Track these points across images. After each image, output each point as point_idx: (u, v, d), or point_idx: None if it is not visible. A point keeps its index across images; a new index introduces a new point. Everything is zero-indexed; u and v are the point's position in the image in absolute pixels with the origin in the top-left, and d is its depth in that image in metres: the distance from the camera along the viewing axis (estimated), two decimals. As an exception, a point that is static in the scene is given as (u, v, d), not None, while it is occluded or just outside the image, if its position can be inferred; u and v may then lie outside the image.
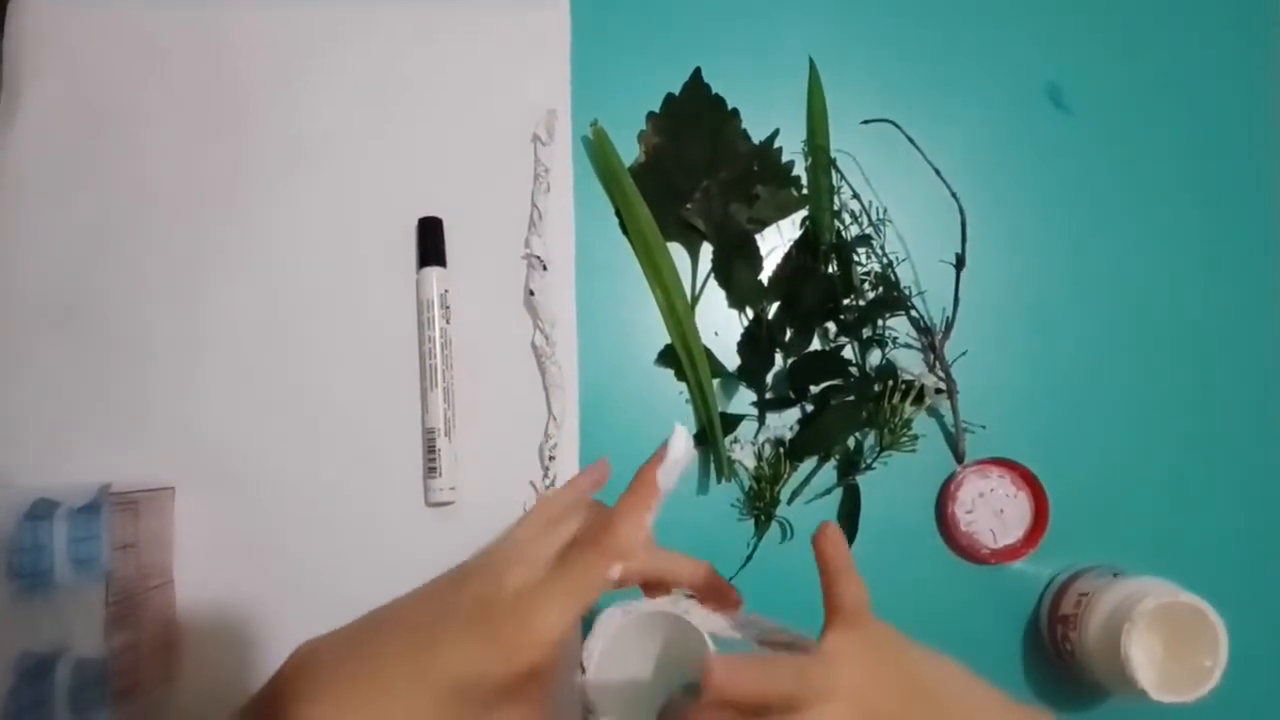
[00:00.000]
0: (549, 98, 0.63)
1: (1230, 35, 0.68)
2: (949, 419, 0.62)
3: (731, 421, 0.61)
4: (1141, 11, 0.68)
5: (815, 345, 0.63)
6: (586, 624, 0.47)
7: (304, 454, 0.59)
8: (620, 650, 0.47)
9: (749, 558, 0.60)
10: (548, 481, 0.59)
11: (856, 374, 0.62)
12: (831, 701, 0.38)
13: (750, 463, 0.61)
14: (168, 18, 0.62)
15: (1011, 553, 0.61)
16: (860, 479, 0.61)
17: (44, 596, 0.47)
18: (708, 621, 0.45)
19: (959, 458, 0.62)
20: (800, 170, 0.64)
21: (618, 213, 0.63)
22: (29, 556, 0.46)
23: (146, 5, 0.62)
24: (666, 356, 0.62)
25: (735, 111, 0.64)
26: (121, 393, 0.59)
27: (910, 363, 0.63)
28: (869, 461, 0.61)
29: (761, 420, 0.62)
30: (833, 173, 0.63)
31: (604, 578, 0.38)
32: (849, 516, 0.61)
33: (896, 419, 0.60)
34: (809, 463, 0.61)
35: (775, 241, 0.64)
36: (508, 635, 0.36)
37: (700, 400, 0.61)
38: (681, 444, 0.42)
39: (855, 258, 0.62)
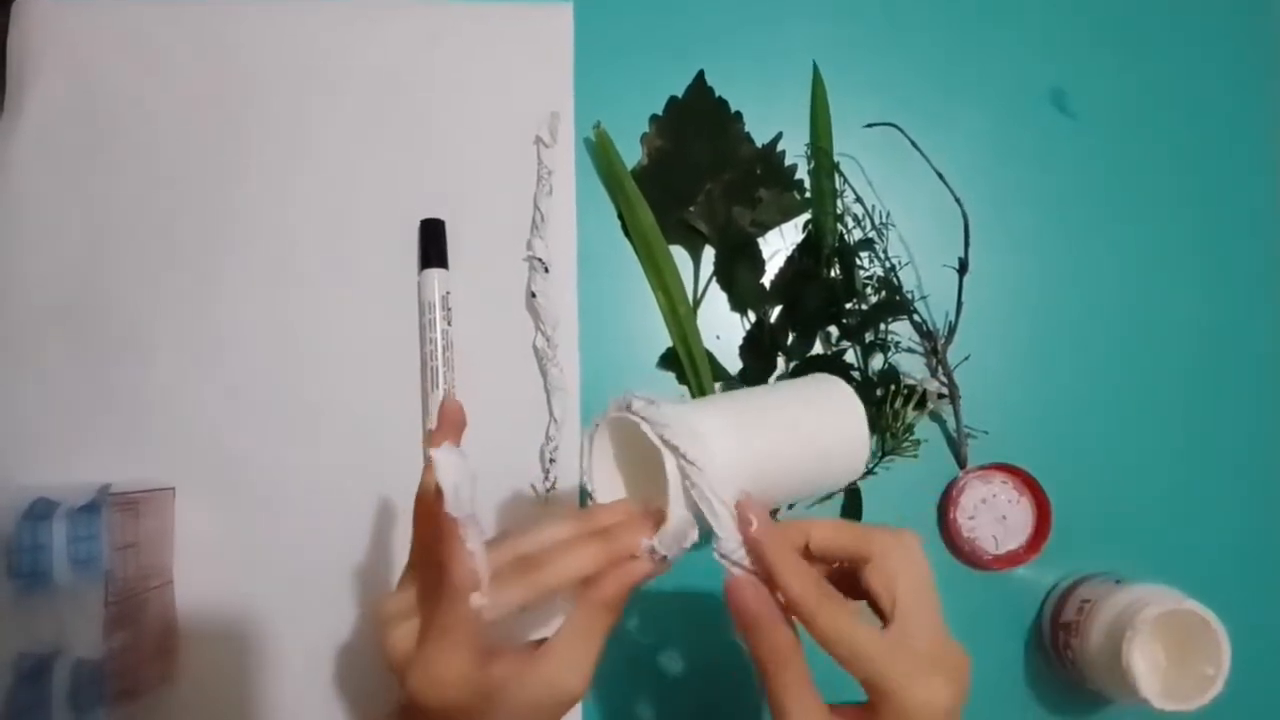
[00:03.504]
0: (552, 100, 0.63)
1: (1232, 40, 0.68)
2: (951, 424, 0.62)
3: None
4: (1145, 17, 0.68)
5: (817, 349, 0.62)
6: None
7: (305, 455, 0.59)
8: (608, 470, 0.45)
9: (750, 562, 0.60)
10: (548, 484, 0.59)
11: (859, 378, 0.61)
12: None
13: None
14: (171, 20, 0.62)
15: (1013, 559, 0.61)
16: (862, 484, 0.61)
17: (43, 596, 0.47)
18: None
19: (961, 463, 0.62)
20: (803, 174, 0.64)
21: (620, 215, 0.63)
22: (28, 556, 0.46)
23: (149, 6, 0.62)
24: (668, 359, 0.62)
25: (738, 114, 0.64)
26: (123, 394, 0.59)
27: (912, 367, 0.62)
28: (871, 466, 0.61)
29: (763, 424, 0.62)
30: (836, 176, 0.63)
31: (466, 611, 0.38)
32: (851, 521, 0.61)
33: (898, 424, 0.60)
34: (810, 467, 0.61)
35: (777, 245, 0.64)
36: (413, 696, 0.39)
37: (702, 404, 0.61)
38: (447, 471, 0.39)
39: (858, 262, 0.62)
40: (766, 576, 0.40)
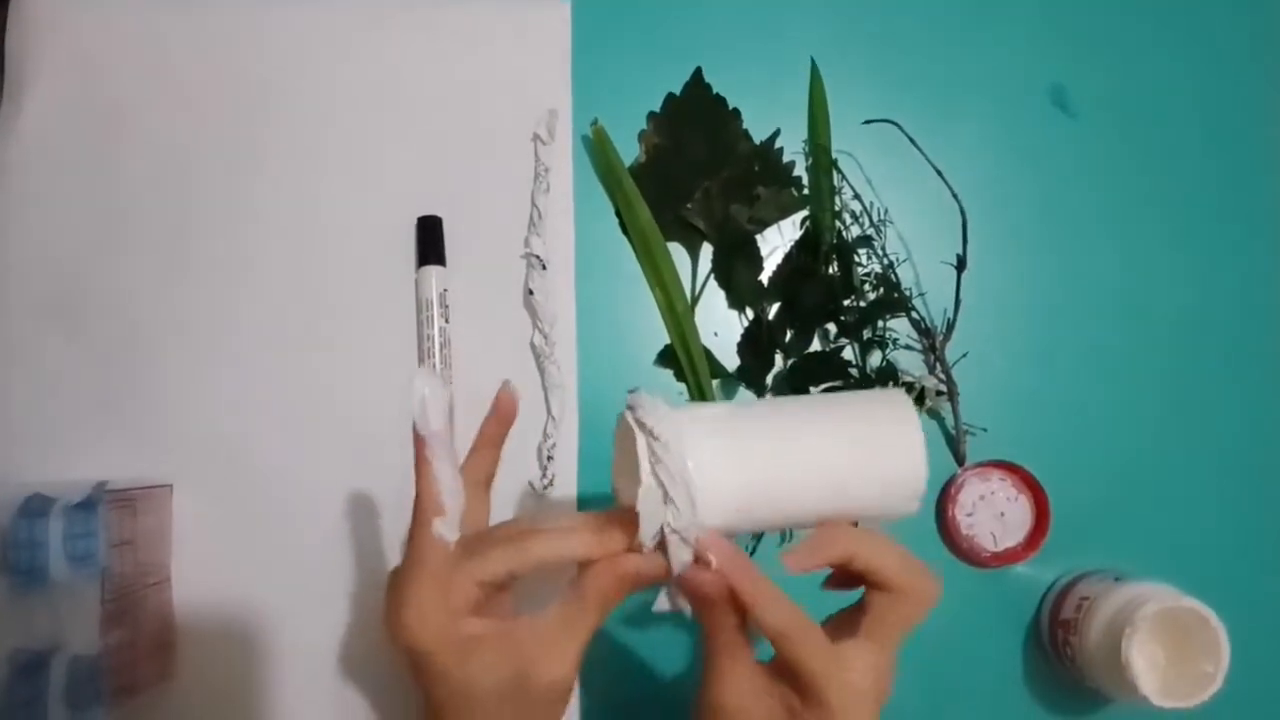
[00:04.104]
0: (549, 97, 0.63)
1: (1233, 37, 0.68)
2: (949, 421, 0.62)
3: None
4: (1144, 13, 0.68)
5: (815, 346, 0.62)
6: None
7: (302, 453, 0.59)
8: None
9: (748, 559, 0.60)
10: (545, 481, 0.59)
11: (857, 375, 0.61)
12: None
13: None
14: (169, 17, 0.62)
15: (1012, 556, 0.61)
16: (860, 481, 0.61)
17: (39, 593, 0.47)
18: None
19: (959, 460, 0.62)
20: (801, 170, 0.64)
21: (618, 212, 0.63)
22: (24, 552, 0.46)
23: (149, 4, 0.62)
24: (666, 357, 0.62)
25: (736, 111, 0.64)
26: (120, 392, 0.59)
27: (911, 364, 0.62)
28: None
29: (761, 421, 0.61)
30: (834, 173, 0.63)
31: (430, 539, 0.41)
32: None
33: (897, 421, 0.60)
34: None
35: (776, 242, 0.64)
36: (392, 634, 0.41)
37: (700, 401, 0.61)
38: (418, 388, 0.40)
39: (856, 258, 0.62)
40: (742, 602, 0.40)
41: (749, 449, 0.41)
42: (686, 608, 0.42)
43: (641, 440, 0.39)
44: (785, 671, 0.41)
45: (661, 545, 0.40)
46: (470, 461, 0.47)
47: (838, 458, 0.42)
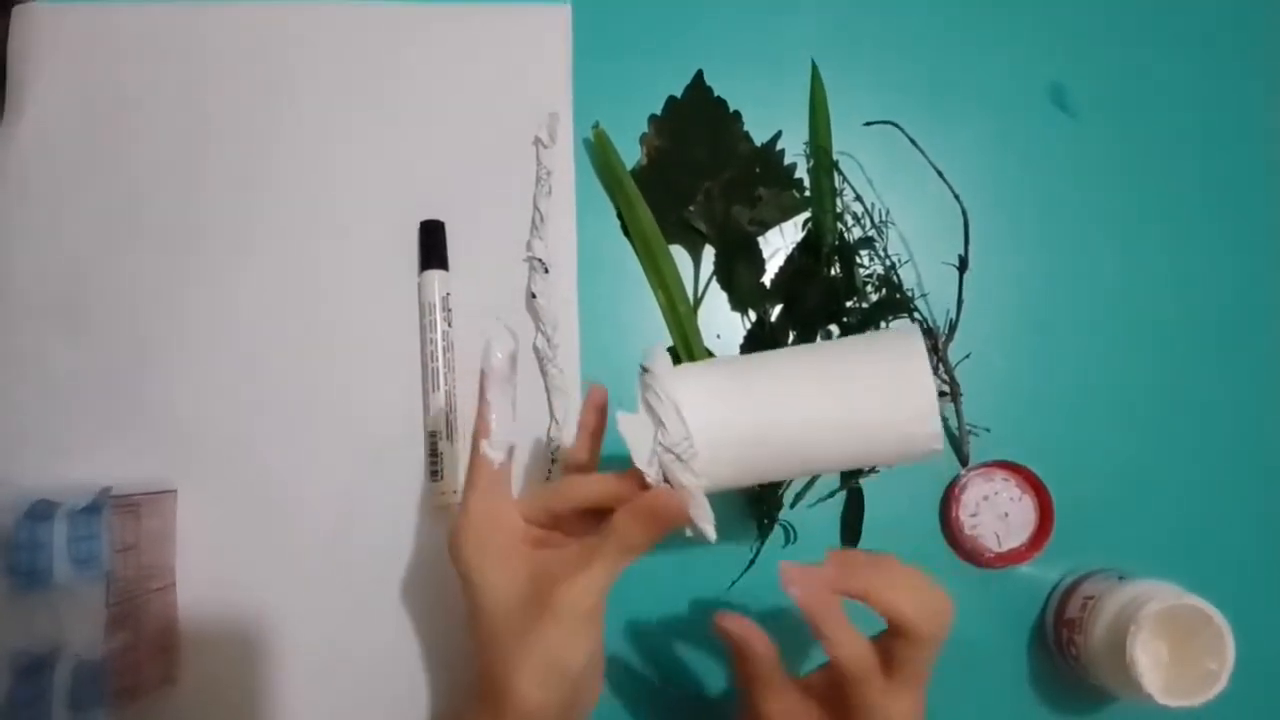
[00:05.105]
0: (551, 100, 0.63)
1: (1233, 37, 0.68)
2: (953, 422, 0.62)
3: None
4: (1144, 13, 0.68)
5: (818, 347, 0.62)
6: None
7: (306, 458, 0.59)
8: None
9: (751, 562, 0.60)
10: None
11: (859, 376, 0.61)
12: None
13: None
14: (171, 21, 0.63)
15: (1016, 556, 0.61)
16: (863, 482, 0.61)
17: (42, 595, 0.47)
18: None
19: (963, 461, 0.62)
20: (802, 172, 0.64)
21: (619, 215, 0.63)
22: (27, 554, 0.46)
23: (150, 11, 0.63)
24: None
25: (737, 113, 0.64)
26: (124, 395, 0.59)
27: (913, 365, 0.62)
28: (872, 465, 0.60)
29: (764, 423, 0.61)
30: (835, 175, 0.63)
31: (480, 459, 0.46)
32: (852, 520, 0.60)
33: (899, 421, 0.60)
34: (812, 466, 0.61)
35: (777, 244, 0.64)
36: (448, 547, 0.46)
37: (702, 403, 0.61)
38: (491, 334, 0.45)
39: (858, 260, 0.62)
40: (815, 633, 0.42)
41: (747, 384, 0.42)
42: (709, 532, 0.43)
43: (639, 383, 0.42)
44: (830, 693, 0.43)
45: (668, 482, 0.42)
46: (572, 450, 0.50)
47: (841, 392, 0.42)
